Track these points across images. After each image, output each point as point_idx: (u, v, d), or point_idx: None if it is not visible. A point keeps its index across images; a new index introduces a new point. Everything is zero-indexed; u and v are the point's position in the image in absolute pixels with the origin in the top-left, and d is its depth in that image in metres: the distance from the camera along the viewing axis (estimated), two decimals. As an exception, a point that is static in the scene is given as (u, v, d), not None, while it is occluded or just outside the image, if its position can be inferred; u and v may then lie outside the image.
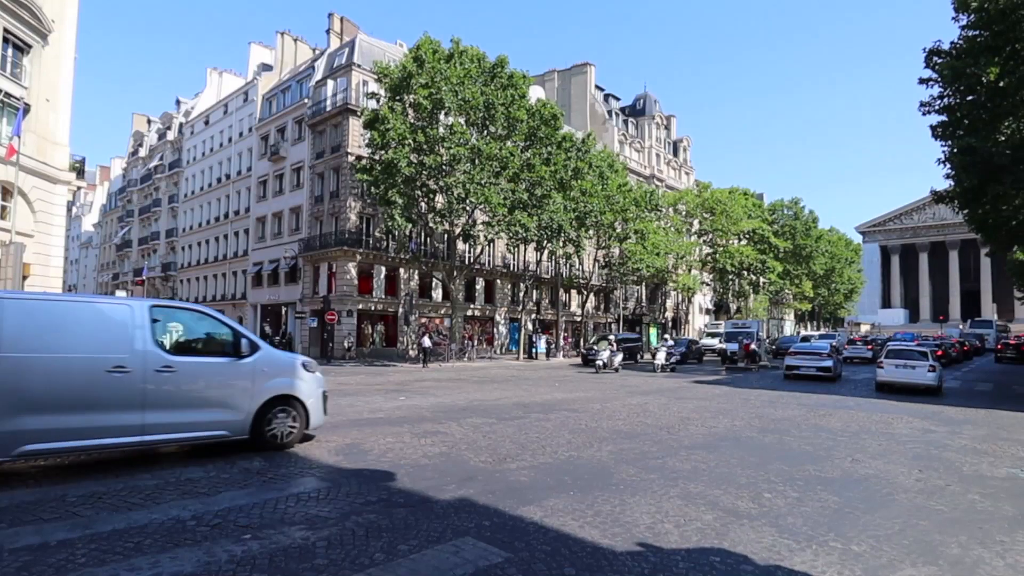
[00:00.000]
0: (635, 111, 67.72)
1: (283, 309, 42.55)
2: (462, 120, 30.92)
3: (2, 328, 6.23)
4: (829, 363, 23.47)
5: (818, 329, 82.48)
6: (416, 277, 40.04)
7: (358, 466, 7.43)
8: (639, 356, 38.02)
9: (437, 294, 41.12)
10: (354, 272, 36.98)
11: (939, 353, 28.64)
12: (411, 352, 38.65)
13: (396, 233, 34.53)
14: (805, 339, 38.47)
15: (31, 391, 6.33)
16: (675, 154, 70.70)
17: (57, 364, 6.51)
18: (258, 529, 4.99)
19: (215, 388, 7.66)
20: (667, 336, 33.45)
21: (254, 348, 8.00)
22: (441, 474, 7.10)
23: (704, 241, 56.70)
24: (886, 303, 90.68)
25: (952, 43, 20.54)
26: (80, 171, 24.53)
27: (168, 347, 7.39)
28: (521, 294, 45.37)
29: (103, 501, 5.72)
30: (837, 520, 5.69)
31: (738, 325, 37.90)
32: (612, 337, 31.34)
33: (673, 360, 29.39)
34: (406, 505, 5.80)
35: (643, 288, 59.85)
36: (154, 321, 7.25)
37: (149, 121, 69.67)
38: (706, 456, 8.55)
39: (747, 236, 58.22)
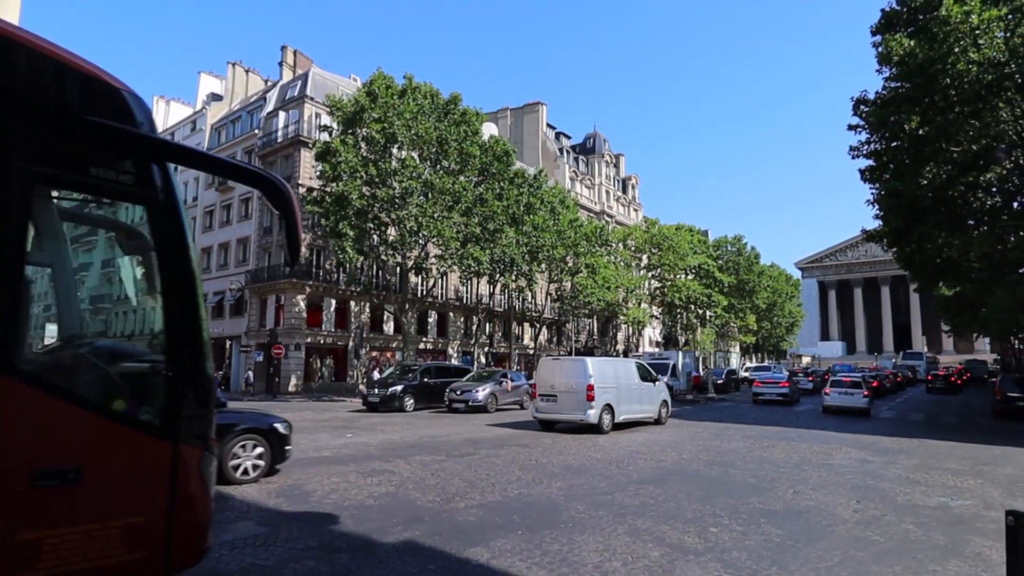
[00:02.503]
0: (585, 149, 69.51)
1: (227, 343, 41.06)
2: (415, 154, 31.00)
3: (602, 375, 15.76)
4: (787, 390, 28.98)
5: (762, 361, 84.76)
6: (367, 310, 39.42)
7: (299, 508, 7.15)
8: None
9: (389, 327, 40.52)
10: (303, 304, 36.13)
11: (875, 384, 30.69)
12: (361, 387, 37.77)
13: (347, 265, 34.05)
14: (731, 372, 43.97)
15: (620, 396, 16.25)
16: (624, 191, 72.65)
17: (626, 385, 16.86)
18: (188, 580, 4.71)
19: (650, 396, 17.87)
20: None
21: (656, 378, 18.70)
22: (386, 515, 6.90)
23: (653, 275, 57.96)
24: (825, 336, 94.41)
25: (877, 93, 21.96)
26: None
27: (639, 378, 17.57)
28: (474, 327, 45.17)
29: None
30: (779, 553, 5.79)
31: (655, 357, 35.74)
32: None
33: None
34: (348, 550, 5.60)
35: (594, 321, 60.55)
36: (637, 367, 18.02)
37: (89, 148, 67.10)
38: (654, 490, 8.59)
39: (693, 271, 59.83)
